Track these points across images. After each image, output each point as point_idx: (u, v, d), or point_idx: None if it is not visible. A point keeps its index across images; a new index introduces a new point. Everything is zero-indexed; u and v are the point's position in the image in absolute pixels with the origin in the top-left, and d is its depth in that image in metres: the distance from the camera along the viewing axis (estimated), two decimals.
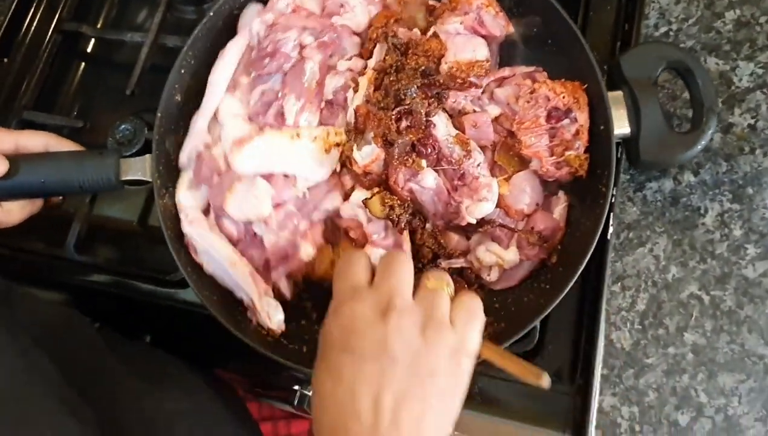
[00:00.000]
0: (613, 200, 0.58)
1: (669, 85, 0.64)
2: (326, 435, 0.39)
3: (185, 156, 0.60)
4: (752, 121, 0.61)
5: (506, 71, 0.60)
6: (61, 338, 0.51)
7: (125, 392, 0.50)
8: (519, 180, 0.57)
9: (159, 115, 0.59)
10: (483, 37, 0.60)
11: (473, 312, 0.41)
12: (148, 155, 0.58)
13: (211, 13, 0.61)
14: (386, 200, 0.54)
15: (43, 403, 0.41)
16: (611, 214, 0.58)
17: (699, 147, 0.56)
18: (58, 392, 0.43)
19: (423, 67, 0.56)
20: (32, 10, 0.82)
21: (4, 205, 0.57)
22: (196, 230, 0.57)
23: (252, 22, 0.61)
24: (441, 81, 0.57)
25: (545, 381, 0.41)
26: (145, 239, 0.73)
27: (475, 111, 0.58)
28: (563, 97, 0.56)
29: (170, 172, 0.59)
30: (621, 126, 0.56)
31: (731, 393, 0.54)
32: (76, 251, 0.68)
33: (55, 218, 0.66)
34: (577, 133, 0.55)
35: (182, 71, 0.60)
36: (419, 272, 0.44)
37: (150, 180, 0.57)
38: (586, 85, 0.57)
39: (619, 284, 0.59)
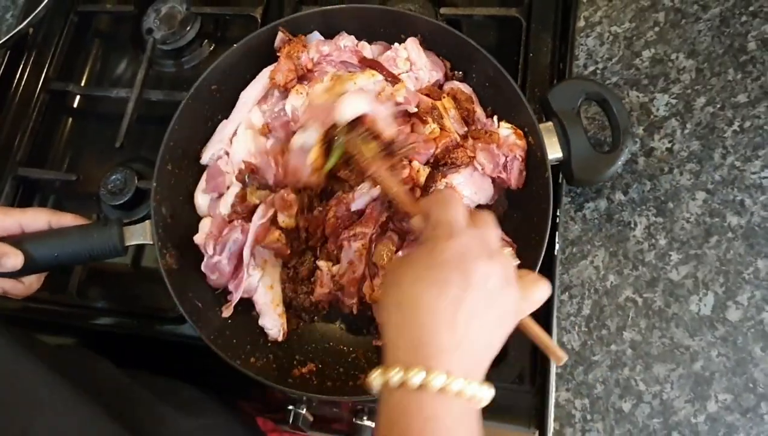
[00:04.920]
0: (557, 220, 0.67)
1: (599, 117, 0.73)
2: (410, 339, 0.43)
3: (207, 156, 0.70)
4: (669, 145, 0.71)
5: None
6: (84, 372, 0.55)
7: (159, 415, 0.56)
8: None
9: (154, 184, 0.64)
10: (499, 179, 0.67)
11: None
12: (147, 221, 0.63)
13: (192, 90, 0.68)
14: None
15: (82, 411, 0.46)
16: (556, 233, 0.67)
17: (619, 163, 0.64)
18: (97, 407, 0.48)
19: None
20: (19, 72, 0.87)
21: (24, 280, 0.62)
22: None
23: (311, 47, 0.71)
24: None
25: (563, 360, 0.52)
26: (139, 279, 0.79)
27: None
28: None
29: (168, 233, 0.64)
30: (554, 151, 0.65)
31: (664, 380, 0.63)
32: (78, 295, 0.74)
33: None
34: None
35: (171, 143, 0.66)
36: None
37: (152, 242, 0.62)
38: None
39: (567, 293, 0.68)
